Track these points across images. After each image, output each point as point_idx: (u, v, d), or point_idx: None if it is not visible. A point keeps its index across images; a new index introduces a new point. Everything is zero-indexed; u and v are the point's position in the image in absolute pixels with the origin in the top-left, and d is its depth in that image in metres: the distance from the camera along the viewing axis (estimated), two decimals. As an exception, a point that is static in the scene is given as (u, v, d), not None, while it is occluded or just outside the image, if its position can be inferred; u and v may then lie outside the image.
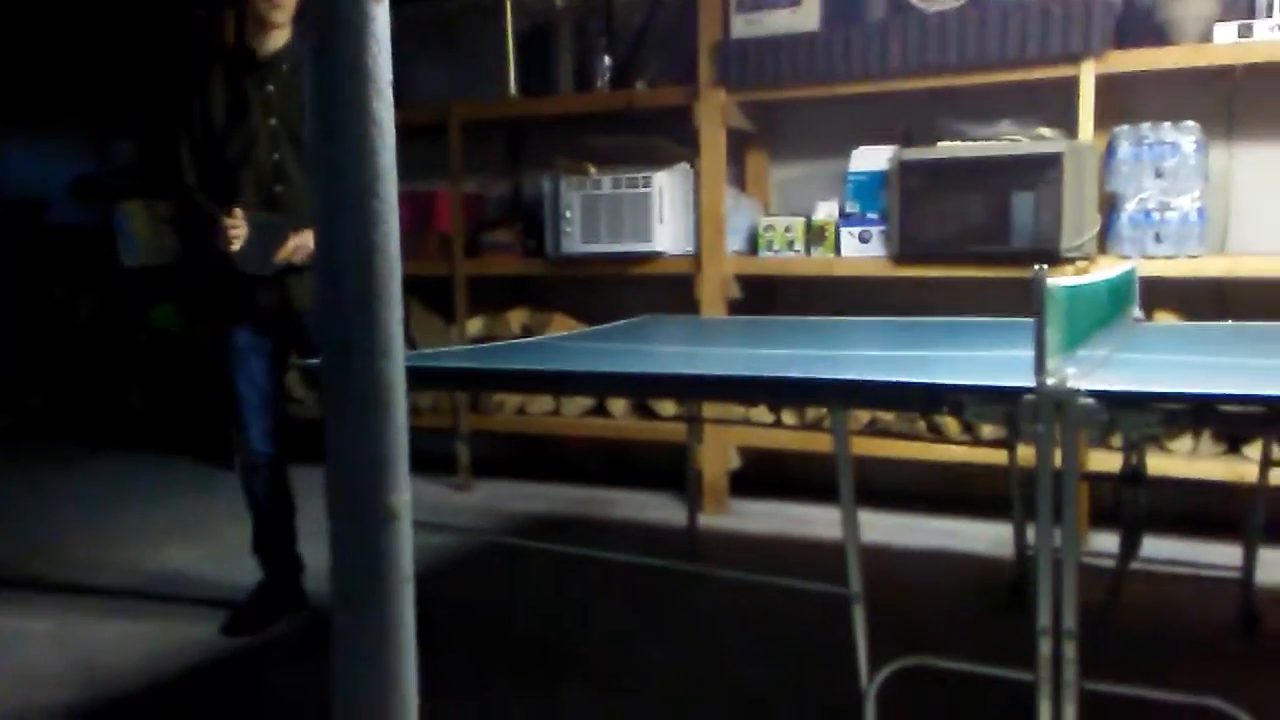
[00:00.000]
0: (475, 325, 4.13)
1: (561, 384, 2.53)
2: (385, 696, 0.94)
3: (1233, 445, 3.11)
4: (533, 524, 3.65)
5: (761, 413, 3.65)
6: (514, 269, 4.10)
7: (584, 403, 4.02)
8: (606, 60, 3.99)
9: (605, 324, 3.08)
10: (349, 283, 0.97)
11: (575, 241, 3.80)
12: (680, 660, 2.46)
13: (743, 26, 3.59)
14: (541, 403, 4.08)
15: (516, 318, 4.12)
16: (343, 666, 0.96)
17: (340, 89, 0.96)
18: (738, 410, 3.59)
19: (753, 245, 3.72)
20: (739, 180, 3.93)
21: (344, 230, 0.97)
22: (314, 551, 2.83)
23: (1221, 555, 2.64)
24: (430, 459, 3.93)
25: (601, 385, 2.55)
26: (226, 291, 2.72)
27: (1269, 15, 2.99)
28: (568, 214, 3.80)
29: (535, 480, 4.17)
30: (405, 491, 0.98)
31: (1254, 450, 2.94)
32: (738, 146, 3.84)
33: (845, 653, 1.77)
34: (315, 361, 1.52)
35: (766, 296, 3.82)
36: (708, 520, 3.47)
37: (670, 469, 3.57)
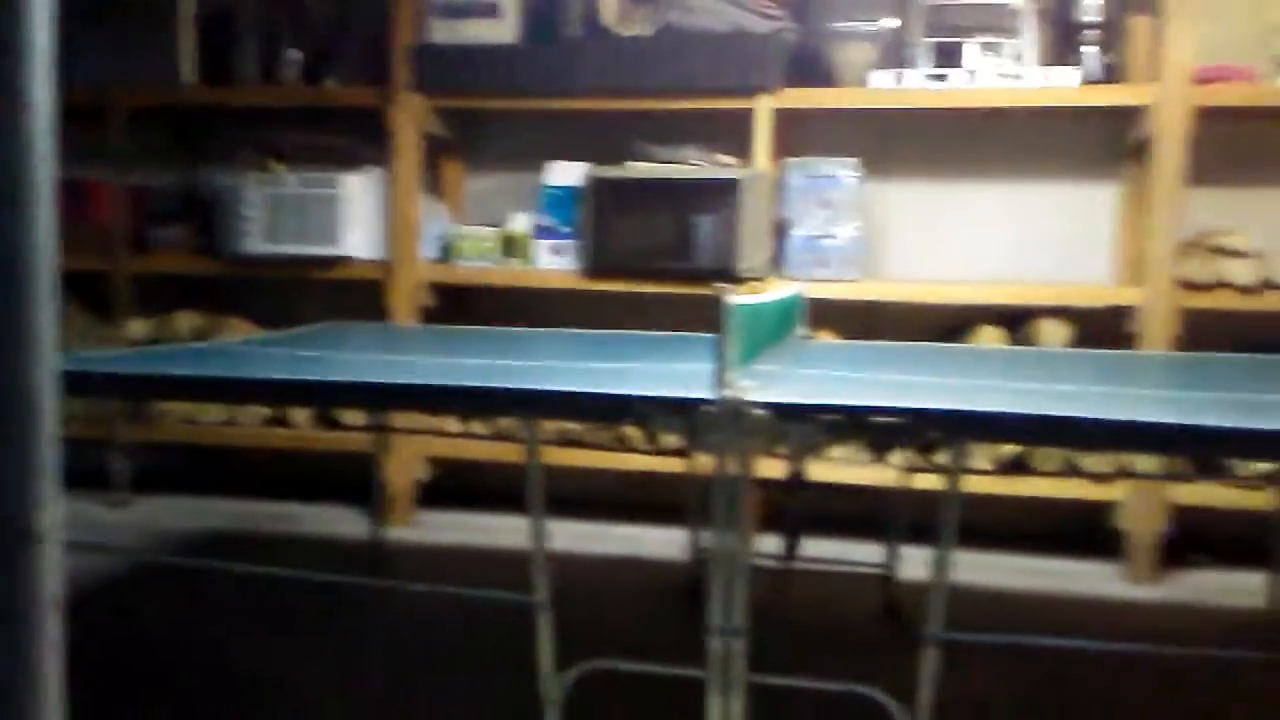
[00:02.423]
0: (139, 327, 3.81)
1: (241, 391, 2.38)
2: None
3: (881, 453, 3.43)
4: (201, 541, 3.41)
5: (451, 422, 3.62)
6: (185, 268, 3.83)
7: (262, 412, 3.81)
8: (294, 54, 3.82)
9: (287, 329, 2.94)
10: (-10, 276, 0.87)
11: (256, 241, 3.61)
12: (355, 681, 2.38)
13: (440, 32, 3.56)
14: (214, 411, 3.82)
15: (186, 320, 3.85)
16: (-28, 707, 0.86)
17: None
18: (427, 420, 3.54)
19: (446, 254, 3.68)
20: (434, 187, 3.88)
21: (-14, 218, 0.87)
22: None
23: (868, 554, 2.90)
24: (81, 474, 3.58)
25: (286, 393, 2.42)
26: None
27: (919, 66, 3.34)
28: (249, 212, 3.60)
29: (206, 495, 3.91)
30: (53, 509, 0.89)
31: (897, 457, 3.26)
32: (433, 153, 3.80)
33: (532, 661, 1.79)
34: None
35: (460, 306, 3.79)
36: (395, 533, 3.39)
37: (356, 481, 3.45)
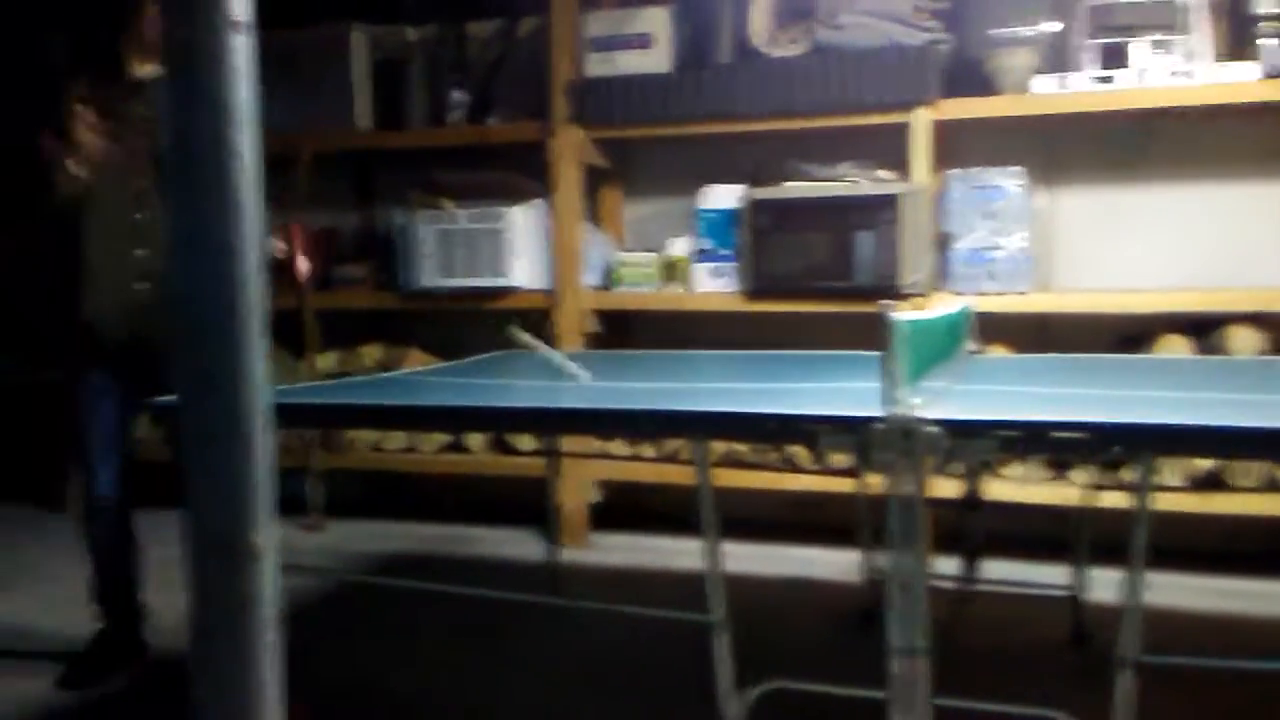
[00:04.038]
0: (328, 361, 4.04)
1: (423, 419, 2.49)
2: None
3: (1059, 471, 3.30)
4: (389, 563, 3.58)
5: (619, 446, 3.68)
6: (367, 303, 4.04)
7: (440, 439, 3.97)
8: (459, 95, 3.99)
9: (462, 359, 3.06)
10: (211, 315, 0.95)
11: (430, 275, 3.77)
12: (542, 697, 2.44)
13: (596, 65, 3.66)
14: (396, 439, 4.01)
15: (371, 353, 4.05)
16: (205, 715, 0.93)
17: (199, 120, 0.94)
18: (596, 444, 3.62)
19: (608, 280, 3.76)
20: (593, 216, 3.98)
21: (204, 263, 0.95)
22: (154, 599, 2.71)
23: (1053, 575, 2.79)
24: (279, 500, 3.80)
25: (463, 420, 2.53)
26: (74, 334, 2.59)
27: (1084, 68, 3.22)
28: (422, 248, 3.77)
29: (391, 519, 4.09)
30: (269, 529, 0.96)
31: (1079, 475, 3.14)
32: (592, 183, 3.89)
33: (709, 681, 1.80)
34: (171, 399, 1.47)
35: (623, 331, 3.87)
36: (569, 555, 3.47)
37: (530, 504, 3.55)
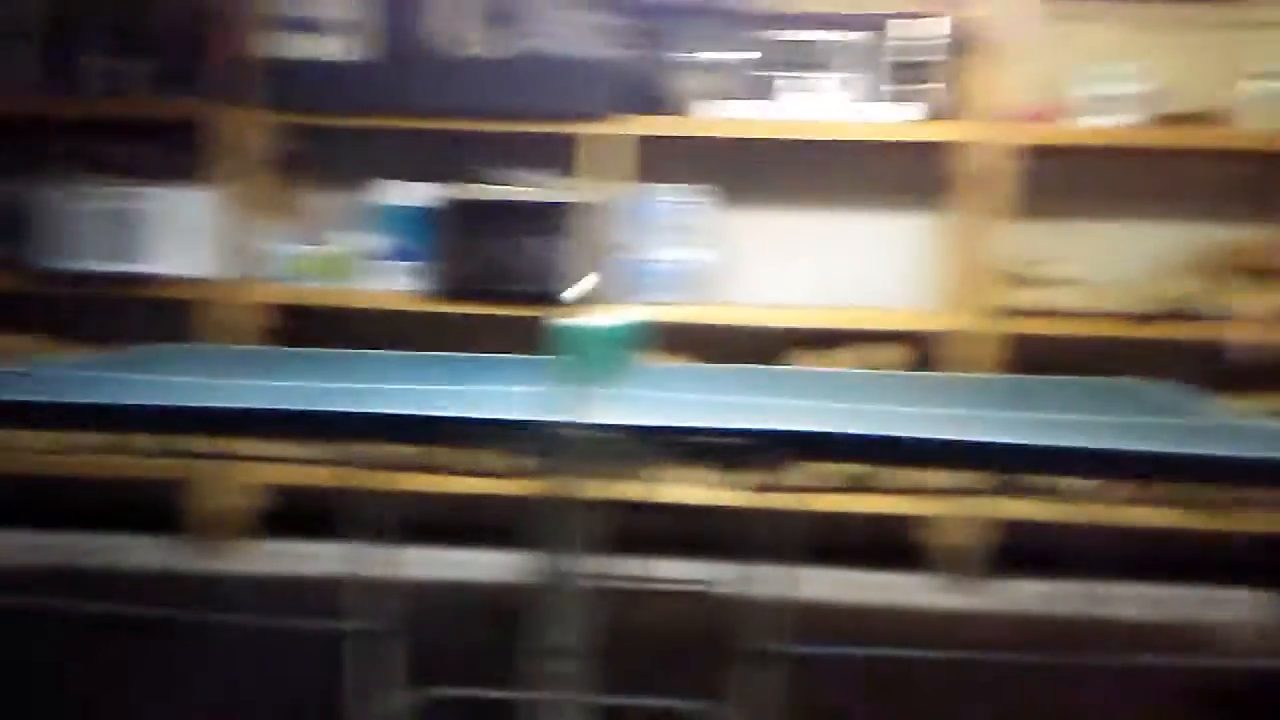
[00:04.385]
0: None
1: (62, 417, 2.23)
2: None
3: (727, 473, 3.46)
4: (9, 578, 3.18)
5: (279, 448, 3.47)
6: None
7: (67, 437, 3.57)
8: (128, 65, 3.62)
9: (106, 351, 2.78)
10: None
11: (65, 257, 3.40)
12: (194, 715, 2.25)
13: (276, 45, 3.46)
14: (33, 439, 3.56)
15: (-2, 341, 3.60)
16: None
17: None
18: (253, 446, 3.39)
19: (285, 273, 3.55)
20: (269, 205, 3.74)
21: None
22: None
23: (716, 573, 2.92)
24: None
25: (115, 420, 2.28)
26: None
27: (765, 97, 3.43)
28: (60, 226, 3.39)
29: (25, 528, 3.64)
30: None
31: (745, 478, 3.30)
32: (270, 170, 3.67)
33: (369, 689, 1.72)
34: None
35: (306, 327, 3.65)
36: (231, 563, 3.24)
37: (184, 509, 3.28)
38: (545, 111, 3.37)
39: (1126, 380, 2.56)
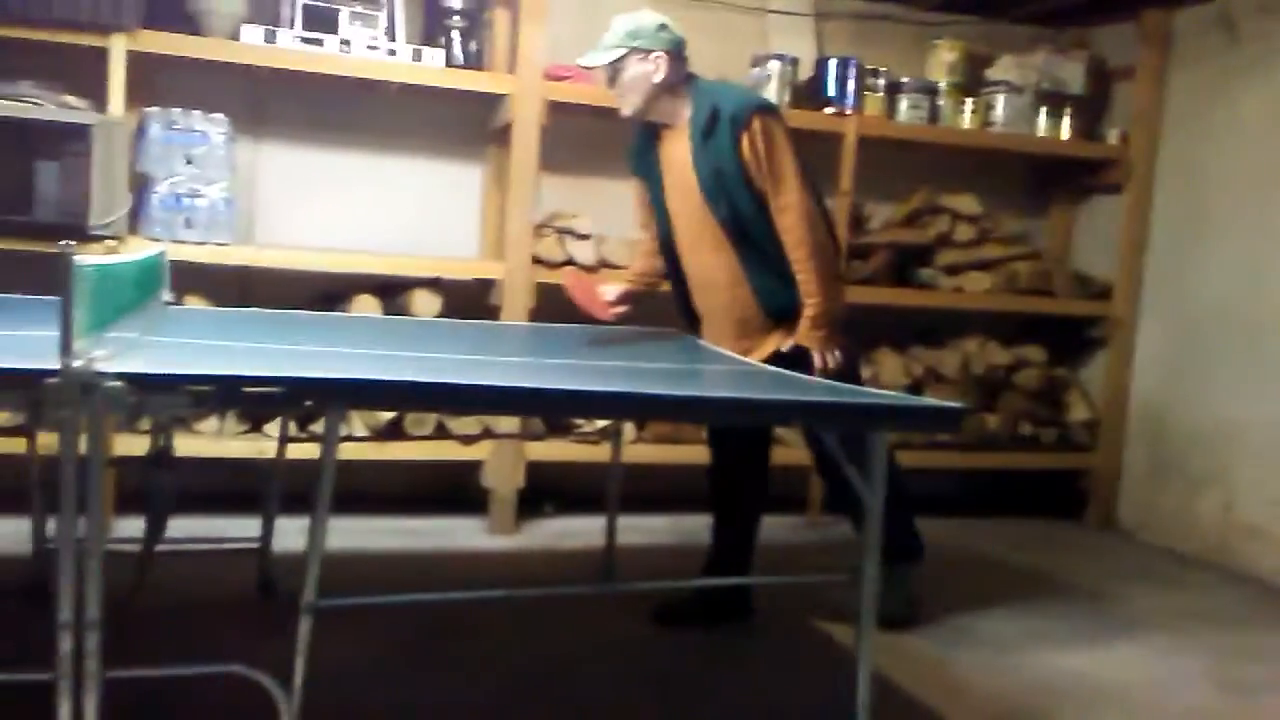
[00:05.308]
0: None
1: None
2: None
3: (256, 424, 3.32)
4: None
5: None
6: None
7: None
8: None
9: None
10: None
11: None
12: None
13: None
14: None
15: None
16: None
17: None
18: None
19: None
20: None
21: None
22: None
23: (244, 529, 2.80)
24: None
25: None
26: None
27: (292, 26, 3.25)
28: None
29: None
30: None
31: (274, 428, 3.19)
32: None
33: None
34: None
35: None
36: None
37: None
38: (52, 20, 2.95)
39: (635, 329, 2.81)
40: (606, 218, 3.61)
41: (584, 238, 3.57)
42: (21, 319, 2.13)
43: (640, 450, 3.54)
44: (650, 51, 2.52)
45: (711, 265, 2.62)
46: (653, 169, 2.68)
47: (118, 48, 3.04)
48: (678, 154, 2.59)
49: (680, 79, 2.57)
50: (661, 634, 2.69)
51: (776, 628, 2.78)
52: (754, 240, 2.54)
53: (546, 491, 3.68)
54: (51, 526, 2.38)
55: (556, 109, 3.48)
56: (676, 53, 2.55)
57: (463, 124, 3.75)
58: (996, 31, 4.30)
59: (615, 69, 2.55)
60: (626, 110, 2.60)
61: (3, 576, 2.68)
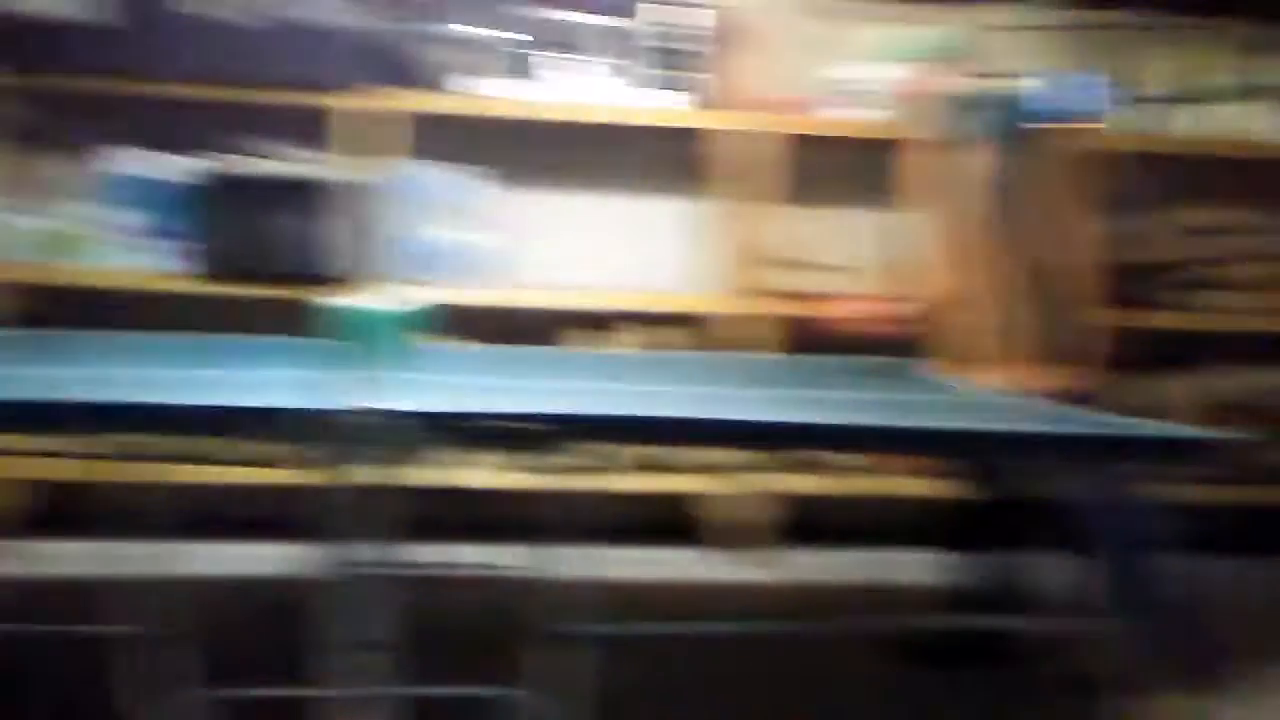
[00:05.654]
0: None
1: None
2: None
3: (511, 457, 3.46)
4: None
5: (65, 442, 3.17)
6: None
7: None
8: None
9: None
10: None
11: None
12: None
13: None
14: None
15: None
16: None
17: None
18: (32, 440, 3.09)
19: (15, 250, 3.24)
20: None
21: None
22: None
23: (504, 556, 2.91)
24: None
25: None
26: None
27: (526, 76, 3.43)
28: None
29: None
30: None
31: (531, 460, 3.31)
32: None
33: (142, 694, 1.63)
34: None
35: (40, 310, 3.35)
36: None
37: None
38: (300, 82, 3.22)
39: (887, 360, 2.75)
40: (839, 249, 3.57)
41: (819, 269, 3.54)
42: (303, 362, 2.32)
43: (898, 483, 3.45)
44: None
45: None
46: None
47: (375, 106, 3.28)
48: None
49: None
50: (920, 674, 2.60)
51: (1042, 676, 2.63)
52: None
53: (800, 524, 3.65)
54: (332, 553, 2.56)
55: (787, 140, 3.49)
56: None
57: (684, 159, 3.80)
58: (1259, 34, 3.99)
59: None
60: None
61: (295, 598, 2.90)
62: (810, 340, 2.78)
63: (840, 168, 3.56)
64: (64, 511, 3.38)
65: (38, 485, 3.31)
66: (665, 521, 3.75)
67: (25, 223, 3.25)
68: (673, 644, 2.59)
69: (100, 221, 3.24)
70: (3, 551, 3.17)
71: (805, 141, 3.52)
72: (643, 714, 2.31)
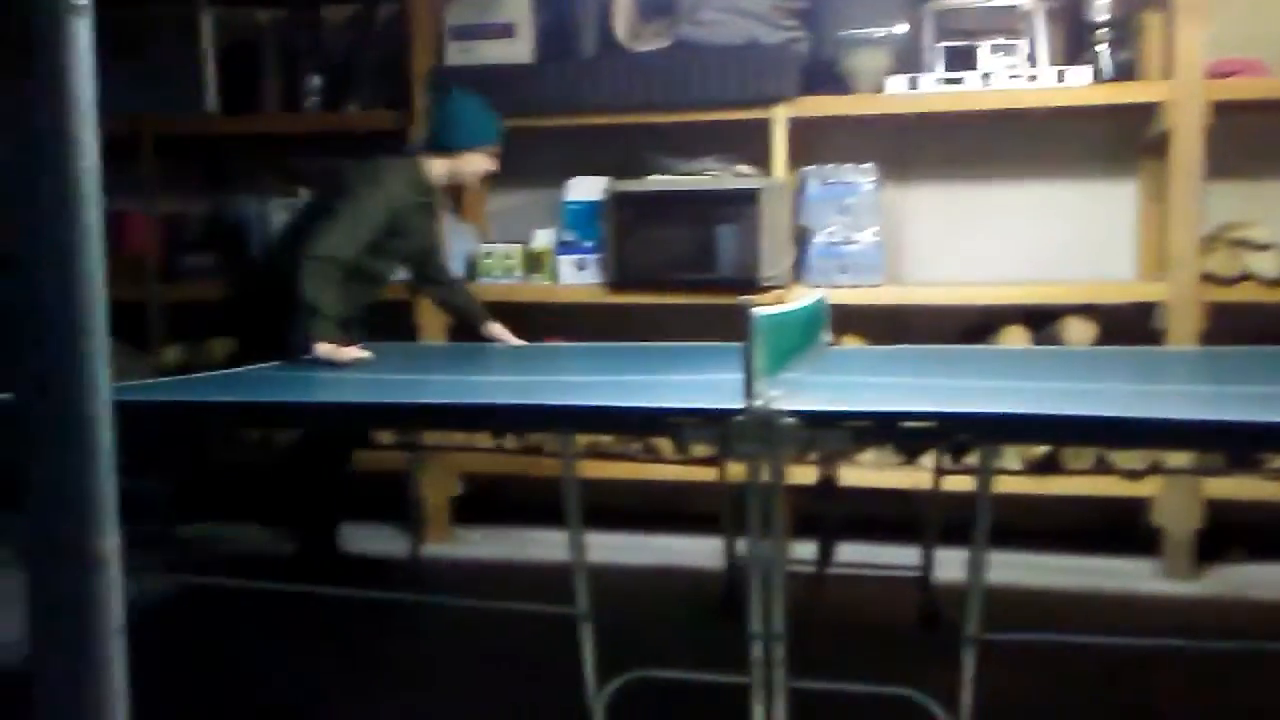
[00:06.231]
0: (172, 354, 3.87)
1: (278, 415, 2.42)
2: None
3: (908, 456, 3.43)
4: (240, 566, 3.46)
5: (483, 438, 3.65)
6: (216, 294, 3.89)
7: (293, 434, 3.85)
8: (315, 80, 3.87)
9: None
10: (49, 312, 0.90)
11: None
12: (405, 696, 2.41)
13: (457, 54, 3.61)
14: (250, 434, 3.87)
15: (221, 347, 3.89)
16: (47, 729, 0.89)
17: (38, 109, 0.89)
18: (459, 436, 3.57)
19: (471, 272, 3.72)
20: (455, 207, 3.92)
21: (44, 256, 0.91)
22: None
23: (903, 557, 2.90)
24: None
25: (321, 416, 2.46)
26: None
27: (933, 70, 3.35)
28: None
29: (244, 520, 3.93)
30: (113, 535, 0.92)
31: (927, 460, 3.26)
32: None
33: (575, 673, 1.81)
34: (4, 397, 1.39)
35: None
36: (432, 550, 3.42)
37: (390, 499, 3.49)
38: (722, 99, 3.39)
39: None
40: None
41: (1263, 248, 3.16)
42: (709, 365, 2.45)
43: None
44: None
45: None
46: None
47: (779, 117, 3.38)
48: None
49: None
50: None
51: None
52: None
53: (1233, 534, 3.29)
54: (740, 546, 2.69)
55: (1221, 109, 3.14)
56: None
57: (1113, 140, 3.55)
58: None
59: None
60: None
61: (702, 589, 3.08)
62: (1248, 329, 2.49)
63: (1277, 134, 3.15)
64: (486, 502, 3.80)
65: (467, 477, 3.73)
66: (1093, 527, 3.52)
67: (495, 249, 3.71)
68: (1077, 655, 2.45)
69: (553, 243, 3.61)
70: (440, 535, 3.63)
71: (1239, 108, 3.16)
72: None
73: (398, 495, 3.23)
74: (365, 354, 2.65)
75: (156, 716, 2.20)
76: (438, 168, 3.09)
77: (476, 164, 3.11)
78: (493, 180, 3.97)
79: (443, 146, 3.09)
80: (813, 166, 3.48)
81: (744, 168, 3.47)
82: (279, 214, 3.64)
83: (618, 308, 3.56)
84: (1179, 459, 3.17)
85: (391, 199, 2.94)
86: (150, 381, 2.86)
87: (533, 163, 3.92)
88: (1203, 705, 2.31)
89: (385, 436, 3.71)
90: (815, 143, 3.58)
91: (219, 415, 2.23)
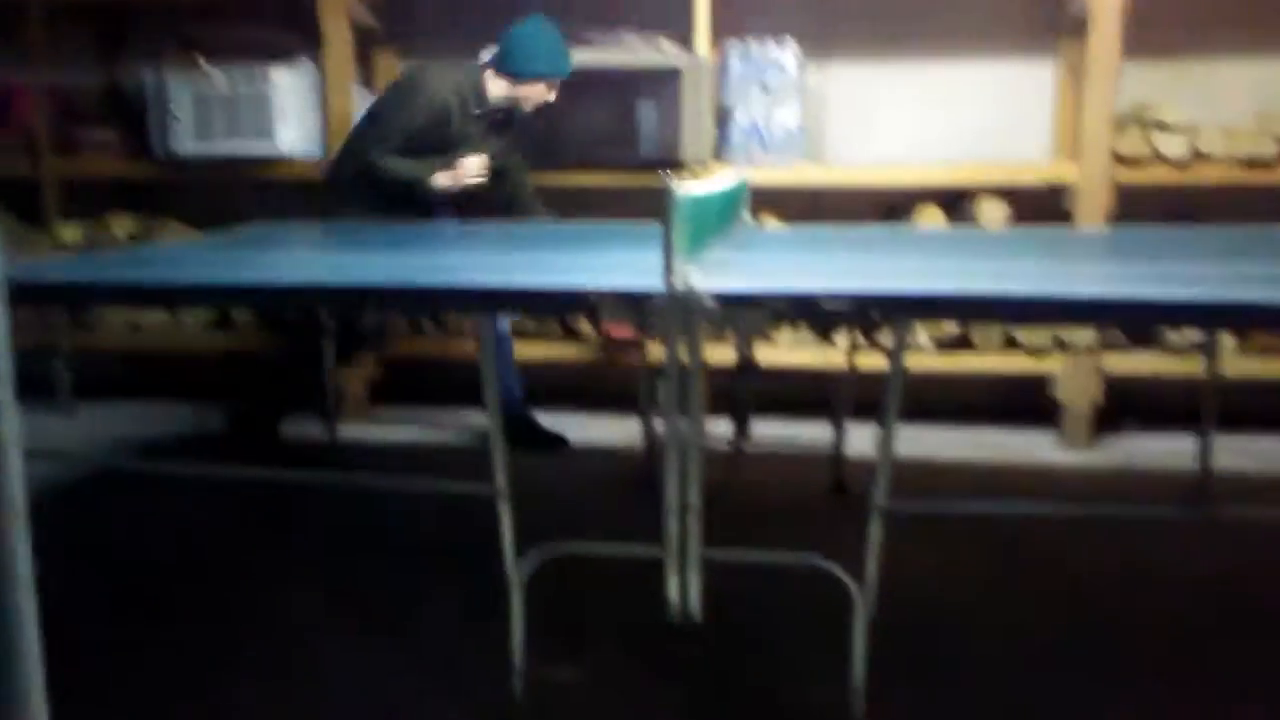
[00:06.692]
0: (72, 233, 3.73)
1: (186, 295, 2.35)
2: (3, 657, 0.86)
3: (824, 335, 3.49)
4: (149, 448, 3.40)
5: (399, 322, 3.60)
6: (116, 170, 3.73)
7: (206, 316, 3.76)
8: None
9: (223, 231, 2.89)
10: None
11: (186, 142, 3.51)
12: (319, 573, 2.42)
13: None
14: (154, 317, 3.77)
15: (121, 225, 3.76)
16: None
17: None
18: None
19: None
20: (367, 79, 3.79)
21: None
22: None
23: (816, 433, 2.97)
24: (22, 382, 3.52)
25: (224, 296, 2.40)
26: None
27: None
28: (177, 111, 3.49)
29: (151, 400, 3.87)
30: (10, 416, 0.89)
31: (842, 339, 3.32)
32: (362, 43, 3.69)
33: (495, 549, 1.83)
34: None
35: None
36: (351, 432, 3.41)
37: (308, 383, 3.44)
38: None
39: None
40: (1201, 105, 3.22)
41: (1172, 129, 3.22)
42: (628, 244, 2.44)
43: (1242, 364, 3.17)
44: None
45: None
46: None
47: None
48: None
49: None
50: (1257, 567, 2.42)
51: None
52: None
53: (1127, 406, 3.43)
54: (659, 425, 2.73)
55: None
56: None
57: (1033, 18, 3.55)
58: None
59: None
60: None
61: (620, 468, 3.12)
62: (1155, 209, 2.55)
63: (1199, 9, 3.17)
64: (403, 383, 3.79)
65: (384, 360, 3.70)
66: (996, 402, 3.64)
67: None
68: (979, 524, 2.56)
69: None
70: (357, 417, 3.61)
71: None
72: (943, 590, 2.31)
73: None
74: (482, 160, 2.97)
75: (69, 602, 2.19)
76: (498, 88, 3.06)
77: (538, 93, 3.07)
78: (404, 48, 3.85)
79: (510, 72, 3.04)
80: (735, 43, 3.41)
81: (665, 42, 3.39)
82: (181, 87, 3.48)
83: (537, 187, 3.50)
84: (1083, 336, 3.28)
85: (434, 101, 2.97)
86: (49, 260, 2.75)
87: (444, 32, 3.79)
88: (1100, 565, 2.43)
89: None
90: (733, 16, 3.51)
91: (115, 295, 2.15)
